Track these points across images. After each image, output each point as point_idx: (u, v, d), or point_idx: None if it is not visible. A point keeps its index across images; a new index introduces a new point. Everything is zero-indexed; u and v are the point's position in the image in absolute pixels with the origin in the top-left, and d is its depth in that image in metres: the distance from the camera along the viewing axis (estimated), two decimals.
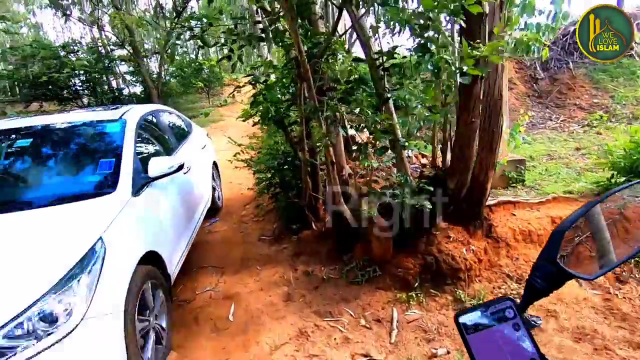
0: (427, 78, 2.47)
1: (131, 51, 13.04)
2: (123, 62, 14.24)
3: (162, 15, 14.10)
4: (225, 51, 2.63)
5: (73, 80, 13.28)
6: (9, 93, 15.87)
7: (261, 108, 2.53)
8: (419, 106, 3.99)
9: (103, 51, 14.10)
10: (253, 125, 3.97)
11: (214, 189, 4.35)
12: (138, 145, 2.69)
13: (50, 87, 12.54)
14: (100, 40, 14.70)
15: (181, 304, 2.88)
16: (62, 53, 13.17)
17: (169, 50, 13.41)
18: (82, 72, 13.17)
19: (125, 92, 15.93)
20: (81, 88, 13.81)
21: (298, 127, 3.26)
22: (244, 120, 4.12)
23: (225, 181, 6.09)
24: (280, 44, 2.36)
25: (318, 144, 2.91)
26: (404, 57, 2.49)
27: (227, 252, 3.62)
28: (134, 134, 2.63)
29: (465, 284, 2.80)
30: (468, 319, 0.50)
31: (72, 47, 12.99)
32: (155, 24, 14.98)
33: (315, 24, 2.75)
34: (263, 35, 2.11)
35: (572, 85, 9.41)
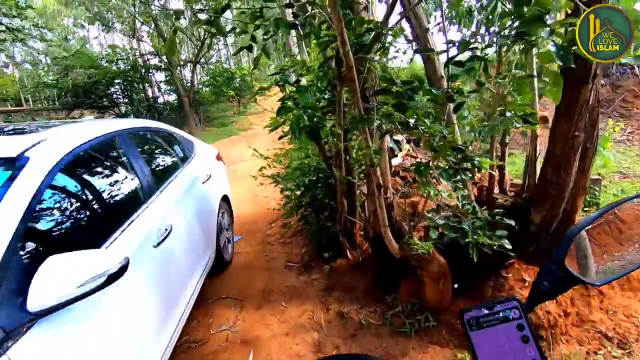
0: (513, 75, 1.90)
1: (165, 60, 13.27)
2: (158, 71, 14.59)
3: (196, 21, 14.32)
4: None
5: (112, 89, 13.72)
6: (56, 102, 16.61)
7: (291, 116, 2.03)
8: (474, 115, 3.39)
9: (140, 61, 14.51)
10: (279, 139, 3.47)
11: (221, 235, 3.13)
12: (49, 217, 1.32)
13: (90, 95, 12.97)
14: (137, 51, 15.17)
15: (192, 346, 2.43)
16: (103, 63, 13.65)
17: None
18: (120, 81, 13.59)
19: (160, 100, 16.33)
20: (119, 96, 14.24)
21: (333, 139, 2.78)
22: (271, 131, 3.73)
23: (250, 194, 5.72)
24: (315, 37, 1.91)
25: (359, 160, 2.40)
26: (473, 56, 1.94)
27: (249, 281, 3.17)
28: (38, 192, 1.25)
29: (549, 345, 2.14)
30: (473, 316, 0.49)
31: (111, 57, 13.40)
32: (191, 34, 15.27)
33: (358, 16, 2.27)
34: (296, 21, 1.66)
35: (639, 92, 8.36)
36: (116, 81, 13.44)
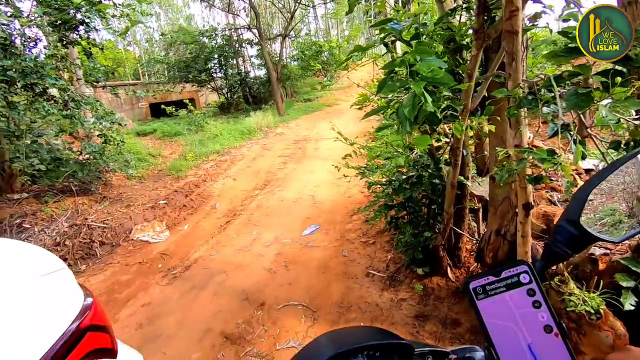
0: None
1: (256, 34, 13.40)
2: (250, 46, 14.94)
3: None
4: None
5: (210, 64, 14.51)
6: (165, 77, 18.37)
7: (403, 95, 1.35)
8: None
9: (235, 36, 15.00)
10: (363, 118, 2.85)
11: None
12: None
13: (191, 70, 13.91)
14: (232, 26, 15.67)
15: None
16: (202, 39, 14.42)
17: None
18: (216, 55, 14.28)
19: (252, 75, 16.82)
20: (216, 71, 15.03)
21: (448, 125, 2.06)
22: (360, 108, 3.15)
23: (331, 176, 5.28)
24: None
25: (477, 158, 1.67)
26: None
27: (324, 286, 2.74)
28: None
29: None
30: (479, 284, 0.45)
31: (209, 33, 14.06)
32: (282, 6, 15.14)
33: None
34: None
35: None
36: (214, 56, 14.14)
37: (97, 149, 5.13)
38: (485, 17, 1.41)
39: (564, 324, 0.43)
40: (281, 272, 3.04)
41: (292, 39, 17.33)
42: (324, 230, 3.79)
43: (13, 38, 4.21)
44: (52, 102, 4.90)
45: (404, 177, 2.40)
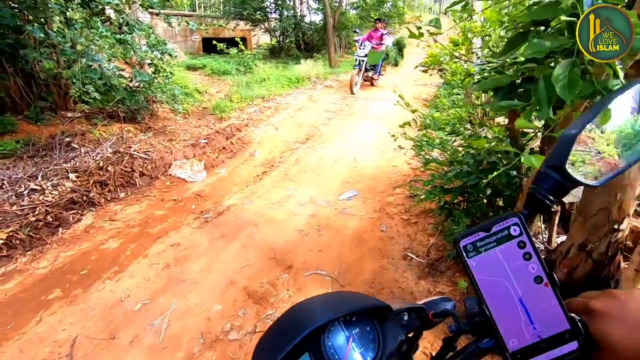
0: None
1: None
2: None
3: None
4: None
5: (266, 2, 13.81)
6: (220, 11, 17.82)
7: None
8: None
9: None
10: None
11: None
12: None
13: (246, 7, 13.34)
14: None
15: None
16: None
17: None
18: None
19: (307, 19, 15.90)
20: (271, 10, 14.32)
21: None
22: (424, 71, 2.77)
23: (378, 139, 4.90)
24: None
25: None
26: None
27: (356, 259, 2.57)
28: None
29: None
30: (469, 241, 0.44)
31: None
32: None
33: None
34: None
35: None
36: None
37: (147, 79, 5.08)
38: None
39: (554, 275, 0.42)
40: (313, 235, 2.89)
41: None
42: (362, 197, 3.55)
43: None
44: (108, 23, 4.81)
45: (470, 160, 2.04)
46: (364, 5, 15.05)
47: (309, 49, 14.55)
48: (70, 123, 4.66)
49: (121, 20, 4.87)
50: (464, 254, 0.44)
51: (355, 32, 11.68)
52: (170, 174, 4.04)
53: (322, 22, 14.92)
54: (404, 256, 2.59)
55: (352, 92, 7.91)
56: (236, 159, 4.66)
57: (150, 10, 5.59)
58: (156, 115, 5.73)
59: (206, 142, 4.89)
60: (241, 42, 9.27)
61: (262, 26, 14.14)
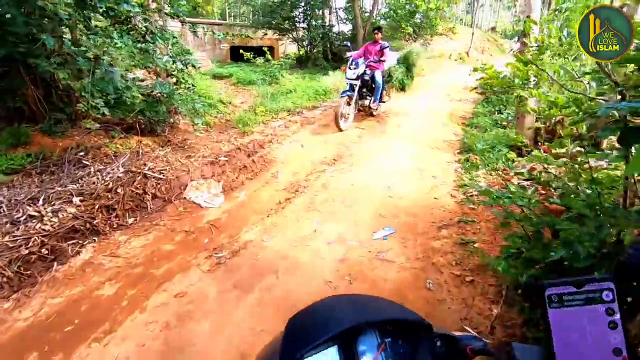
0: None
1: None
2: None
3: None
4: None
5: (295, 12, 13.62)
6: (249, 20, 17.85)
7: None
8: None
9: None
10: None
11: None
12: None
13: (275, 16, 13.20)
14: None
15: None
16: None
17: None
18: (302, 3, 13.29)
19: (335, 29, 15.61)
20: (299, 20, 14.12)
21: None
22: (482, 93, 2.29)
23: (414, 163, 4.34)
24: None
25: None
26: None
27: None
28: None
29: None
30: (556, 292, 0.43)
31: None
32: None
33: None
34: None
35: None
36: (300, 3, 13.19)
37: (167, 90, 4.79)
38: None
39: (638, 351, 0.36)
40: (343, 289, 2.39)
41: None
42: (400, 237, 3.02)
43: None
44: (134, 32, 4.57)
45: (570, 219, 1.48)
46: (394, 16, 14.60)
47: (337, 59, 14.18)
48: (87, 135, 4.41)
49: (145, 29, 4.62)
50: (547, 302, 0.42)
51: (345, 45, 8.55)
52: (185, 197, 3.67)
53: (350, 32, 14.58)
54: (460, 329, 2.04)
55: (339, 129, 5.84)
56: (257, 180, 4.25)
57: (176, 18, 5.35)
58: (177, 128, 5.44)
59: (226, 160, 4.52)
60: (268, 52, 9.00)
61: (290, 35, 13.94)
